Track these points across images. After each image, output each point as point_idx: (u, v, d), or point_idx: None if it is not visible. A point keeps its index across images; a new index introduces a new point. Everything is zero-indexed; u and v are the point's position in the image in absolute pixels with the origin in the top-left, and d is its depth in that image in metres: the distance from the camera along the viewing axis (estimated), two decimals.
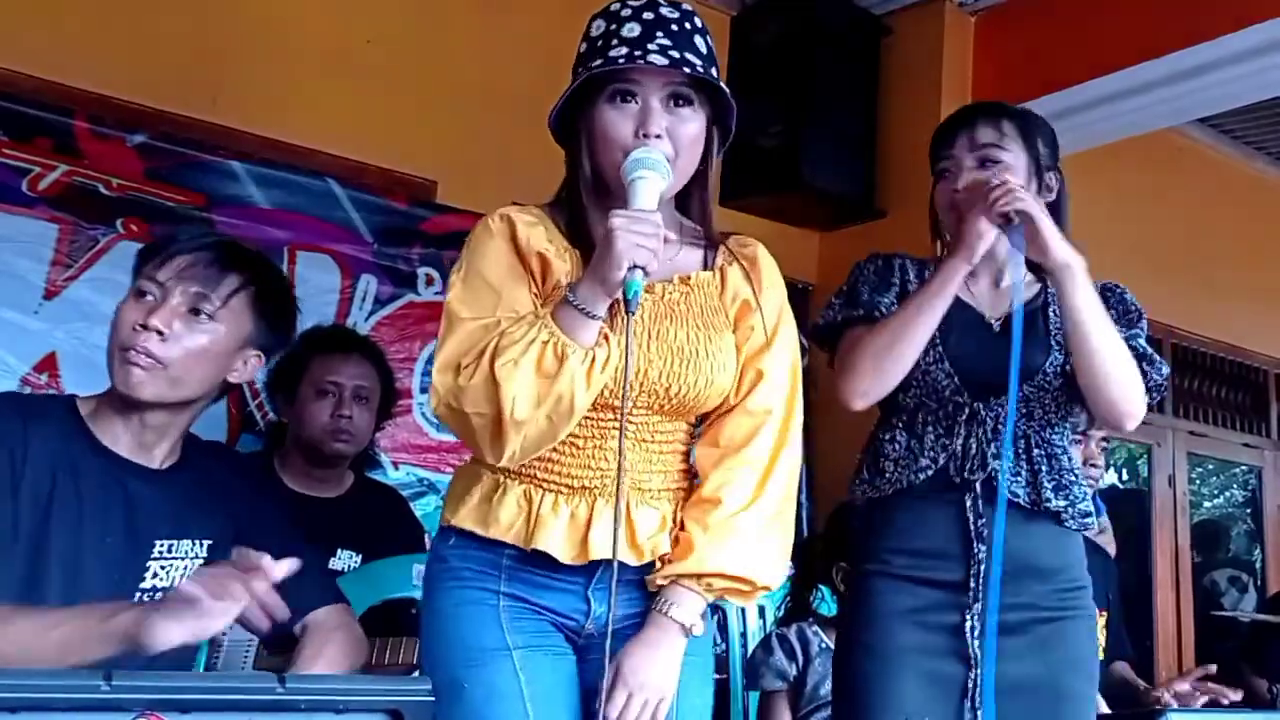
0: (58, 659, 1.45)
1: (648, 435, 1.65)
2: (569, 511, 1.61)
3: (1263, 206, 5.74)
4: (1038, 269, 2.04)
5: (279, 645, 1.80)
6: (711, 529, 1.62)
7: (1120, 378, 1.94)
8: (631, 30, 1.59)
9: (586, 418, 1.58)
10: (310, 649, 1.74)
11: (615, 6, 1.64)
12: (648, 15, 1.60)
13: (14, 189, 2.92)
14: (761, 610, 3.11)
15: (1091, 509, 2.04)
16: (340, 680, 1.53)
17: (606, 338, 1.55)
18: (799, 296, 4.00)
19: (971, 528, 1.94)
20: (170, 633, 1.43)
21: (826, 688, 2.55)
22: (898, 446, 2.01)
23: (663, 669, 1.60)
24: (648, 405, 1.64)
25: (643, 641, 1.60)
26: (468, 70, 3.65)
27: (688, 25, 1.62)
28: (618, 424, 1.58)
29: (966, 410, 1.99)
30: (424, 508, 3.25)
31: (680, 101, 1.61)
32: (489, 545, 1.62)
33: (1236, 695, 2.90)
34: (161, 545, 1.74)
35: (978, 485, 1.95)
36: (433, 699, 1.20)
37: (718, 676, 2.38)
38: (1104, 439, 3.19)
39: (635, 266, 1.49)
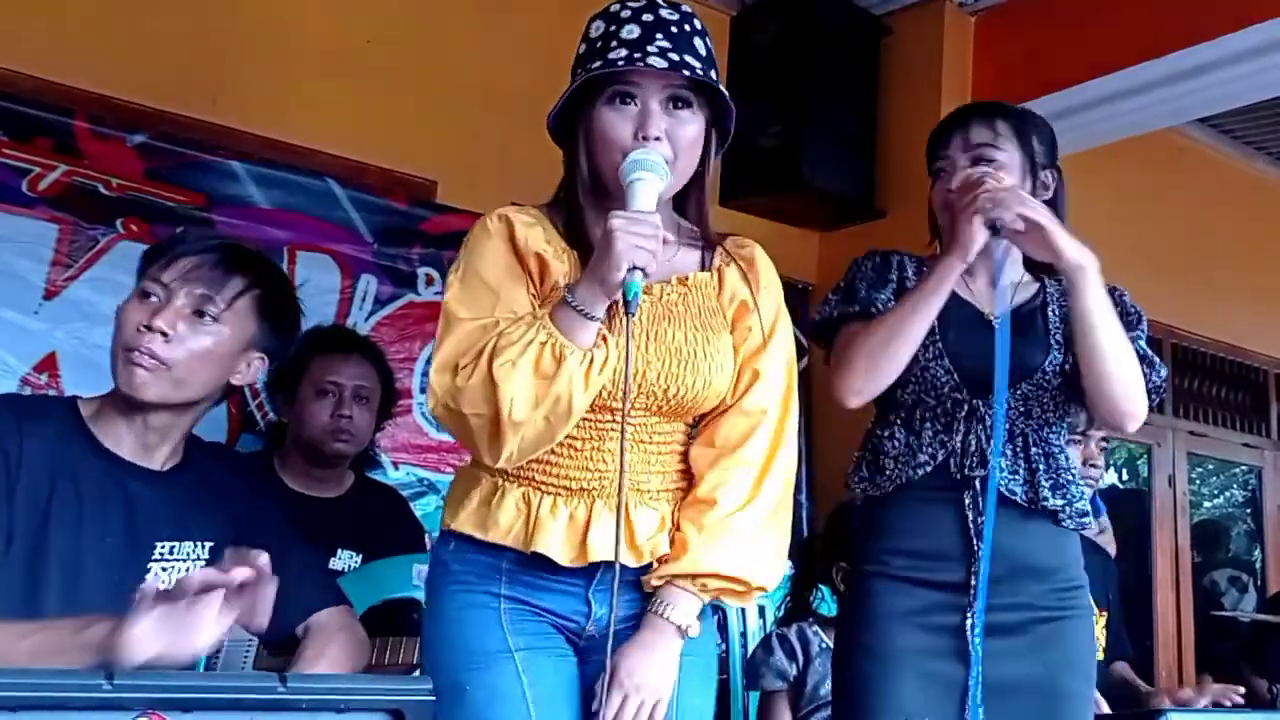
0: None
1: (646, 436, 1.65)
2: (568, 513, 1.61)
3: (1263, 206, 5.73)
4: (1041, 268, 2.05)
5: (280, 646, 1.79)
6: (707, 529, 1.62)
7: (1124, 378, 1.94)
8: (631, 32, 1.59)
9: (584, 419, 1.58)
10: (312, 650, 1.74)
11: (615, 8, 1.64)
12: (647, 17, 1.60)
13: (14, 189, 2.92)
14: (761, 610, 3.11)
15: (1089, 508, 2.04)
16: (341, 680, 1.53)
17: (605, 339, 1.54)
18: (799, 297, 4.00)
19: (971, 526, 1.94)
20: (144, 646, 1.36)
21: (827, 688, 2.55)
22: (896, 443, 2.00)
23: (659, 670, 1.59)
24: (646, 406, 1.63)
25: (638, 643, 1.60)
26: (468, 70, 3.65)
27: (687, 27, 1.62)
28: (616, 425, 1.58)
29: (965, 406, 1.98)
30: (424, 508, 3.25)
31: (679, 104, 1.61)
32: (489, 549, 1.62)
33: (1239, 698, 2.91)
34: (162, 547, 1.73)
35: (977, 482, 1.95)
36: (434, 698, 1.20)
37: (718, 676, 2.38)
38: (1104, 439, 3.19)
39: (634, 268, 1.49)
